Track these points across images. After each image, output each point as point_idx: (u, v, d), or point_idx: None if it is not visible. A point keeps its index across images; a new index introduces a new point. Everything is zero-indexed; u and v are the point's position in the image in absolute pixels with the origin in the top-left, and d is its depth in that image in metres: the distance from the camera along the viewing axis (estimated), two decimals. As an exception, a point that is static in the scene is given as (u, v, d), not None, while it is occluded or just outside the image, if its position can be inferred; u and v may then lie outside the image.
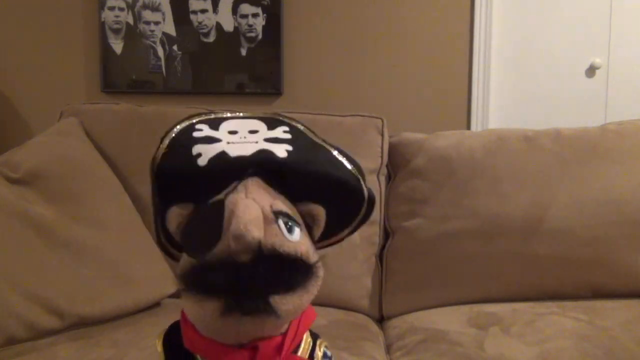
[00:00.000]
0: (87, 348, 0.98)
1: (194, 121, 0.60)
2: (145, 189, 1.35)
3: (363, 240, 1.32)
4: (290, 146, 0.58)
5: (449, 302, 1.25)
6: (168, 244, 0.61)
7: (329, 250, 1.30)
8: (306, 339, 0.59)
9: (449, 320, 1.15)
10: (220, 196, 0.53)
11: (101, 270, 1.13)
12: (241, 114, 0.63)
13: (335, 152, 0.62)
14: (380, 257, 1.35)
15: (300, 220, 0.56)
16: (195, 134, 0.57)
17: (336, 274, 1.27)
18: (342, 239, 0.65)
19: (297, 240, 0.52)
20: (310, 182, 0.58)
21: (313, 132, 0.64)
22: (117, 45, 2.36)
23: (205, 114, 0.62)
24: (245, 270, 0.47)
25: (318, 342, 0.60)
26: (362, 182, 0.62)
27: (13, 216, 1.08)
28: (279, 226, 0.52)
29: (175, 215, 0.55)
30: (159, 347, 0.59)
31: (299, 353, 0.57)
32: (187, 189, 0.55)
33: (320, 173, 0.58)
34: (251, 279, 0.48)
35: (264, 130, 0.60)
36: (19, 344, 0.99)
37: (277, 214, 0.52)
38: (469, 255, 1.25)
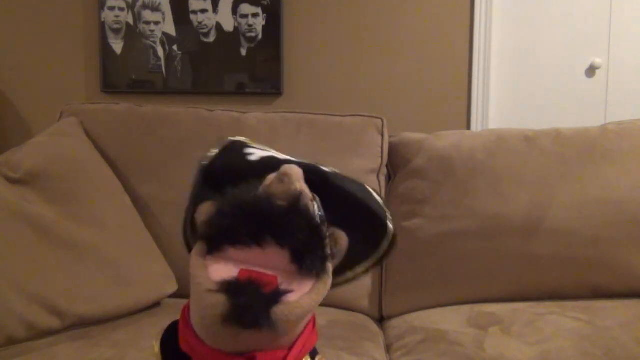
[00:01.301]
0: (87, 348, 0.98)
1: (245, 140, 0.64)
2: (145, 188, 1.35)
3: (363, 240, 1.32)
4: (333, 171, 0.61)
5: (449, 302, 1.25)
6: (193, 240, 0.61)
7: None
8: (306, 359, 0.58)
9: (449, 320, 1.15)
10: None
11: (101, 270, 1.13)
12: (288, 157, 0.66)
13: (369, 188, 0.64)
14: (380, 257, 1.35)
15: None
16: (248, 142, 0.62)
17: (336, 274, 1.27)
18: (354, 278, 0.66)
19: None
20: (344, 203, 0.59)
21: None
22: (117, 45, 2.36)
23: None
24: (280, 212, 0.48)
25: (317, 359, 0.60)
26: (388, 220, 0.62)
27: (13, 216, 1.08)
28: (314, 206, 0.53)
29: (207, 208, 0.55)
30: (156, 348, 0.58)
31: None
32: (234, 183, 0.55)
33: (354, 196, 0.60)
34: (282, 226, 0.48)
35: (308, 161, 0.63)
36: (19, 344, 0.99)
37: (315, 199, 0.54)
38: (469, 255, 1.25)
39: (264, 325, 0.47)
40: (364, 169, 1.36)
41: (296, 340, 0.54)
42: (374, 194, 0.63)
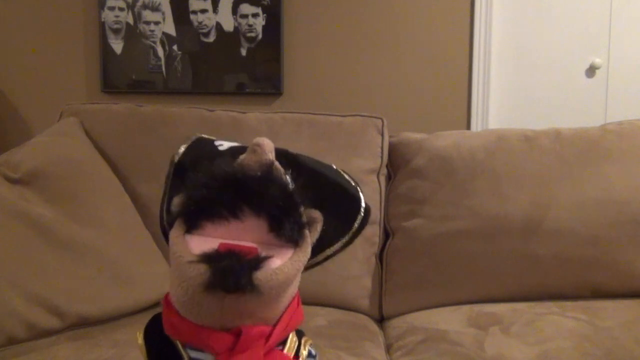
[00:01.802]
0: (87, 348, 0.98)
1: (212, 138, 0.66)
2: (145, 188, 1.35)
3: (363, 240, 1.32)
4: (302, 154, 0.63)
5: (449, 302, 1.25)
6: (169, 228, 0.62)
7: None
8: (292, 338, 0.59)
9: (449, 320, 1.15)
10: None
11: (101, 270, 1.13)
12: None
13: (336, 168, 0.66)
14: (380, 257, 1.35)
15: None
16: (217, 139, 0.64)
17: (336, 274, 1.27)
18: (334, 254, 0.65)
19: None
20: (315, 182, 0.60)
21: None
22: (117, 45, 2.36)
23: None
24: (255, 181, 0.49)
25: (303, 341, 0.60)
26: (360, 192, 0.64)
27: (13, 216, 1.08)
28: (286, 176, 0.55)
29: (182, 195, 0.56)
30: (140, 339, 0.59)
31: (285, 351, 0.57)
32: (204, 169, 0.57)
33: (325, 175, 0.62)
34: (258, 194, 0.49)
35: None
36: (19, 344, 0.99)
37: (286, 172, 0.56)
38: (469, 255, 1.25)
39: (246, 288, 0.48)
40: (364, 169, 1.36)
41: (280, 317, 0.54)
42: (344, 173, 0.65)
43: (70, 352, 0.96)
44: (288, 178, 0.55)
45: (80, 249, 1.12)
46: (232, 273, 0.47)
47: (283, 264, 0.51)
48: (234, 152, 0.59)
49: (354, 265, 1.30)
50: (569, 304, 1.18)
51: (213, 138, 0.64)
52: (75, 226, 1.15)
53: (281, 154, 0.59)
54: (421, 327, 1.13)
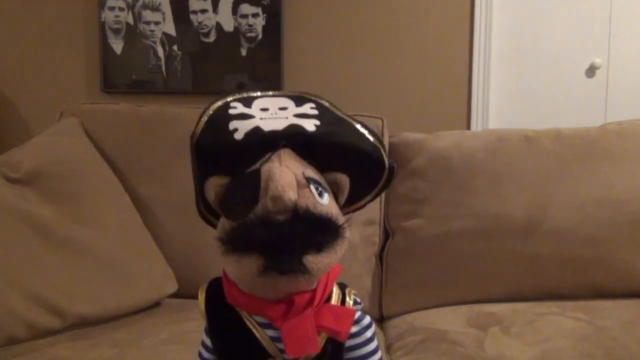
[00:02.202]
0: (87, 348, 0.98)
1: (229, 99, 0.65)
2: (145, 188, 1.35)
3: (363, 240, 1.32)
4: (318, 121, 0.63)
5: (449, 302, 1.25)
6: (207, 213, 0.66)
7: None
8: (336, 291, 0.64)
9: (449, 320, 1.15)
10: (256, 166, 0.58)
11: (101, 270, 1.13)
12: (270, 93, 0.68)
13: (358, 126, 0.66)
14: (380, 257, 1.35)
15: (328, 187, 0.61)
16: (231, 111, 0.63)
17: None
18: (363, 206, 0.71)
19: (326, 203, 0.58)
20: (336, 152, 0.63)
21: (338, 109, 0.68)
22: (117, 45, 2.36)
23: (238, 93, 0.67)
24: (282, 228, 0.53)
25: (347, 291, 0.66)
26: (383, 153, 0.66)
27: (13, 216, 1.08)
28: (310, 190, 0.57)
29: (213, 186, 0.60)
30: (201, 299, 0.64)
31: (331, 303, 0.63)
32: (224, 161, 0.60)
33: (345, 144, 0.63)
34: (288, 237, 0.53)
35: (292, 107, 0.65)
36: (19, 344, 0.99)
37: (309, 180, 0.58)
38: (469, 255, 1.25)
39: (298, 271, 0.53)
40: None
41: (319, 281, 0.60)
42: (366, 133, 0.66)
43: (70, 352, 0.96)
44: (312, 189, 0.57)
45: (80, 249, 1.12)
46: (285, 257, 0.53)
47: (326, 251, 0.56)
48: (250, 144, 0.59)
49: (354, 265, 1.30)
50: (569, 304, 1.18)
51: (227, 108, 0.64)
52: (75, 226, 1.15)
53: (296, 135, 0.60)
54: (421, 327, 1.13)
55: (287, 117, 0.62)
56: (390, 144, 1.42)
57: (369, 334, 0.64)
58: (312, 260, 0.54)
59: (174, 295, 1.23)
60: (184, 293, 1.22)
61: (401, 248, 1.32)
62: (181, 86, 2.36)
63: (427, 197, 1.30)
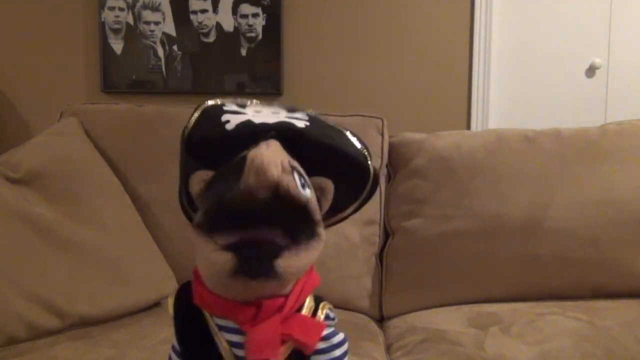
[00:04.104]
0: (87, 348, 0.98)
1: (224, 101, 0.66)
2: (145, 188, 1.35)
3: (363, 240, 1.32)
4: (309, 122, 0.64)
5: (449, 302, 1.25)
6: (189, 208, 0.66)
7: (329, 250, 1.30)
8: (309, 303, 0.62)
9: (449, 320, 1.15)
10: (243, 154, 0.58)
11: (101, 270, 1.13)
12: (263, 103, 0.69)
13: (347, 133, 0.67)
14: (380, 257, 1.35)
15: (312, 186, 0.60)
16: (225, 108, 0.64)
17: (336, 274, 1.27)
18: (346, 217, 0.70)
19: (308, 196, 0.57)
20: (324, 154, 0.63)
21: (327, 120, 0.69)
22: (117, 45, 2.36)
23: (232, 98, 0.68)
24: (261, 205, 0.52)
25: (321, 305, 0.64)
26: (369, 161, 0.66)
27: (13, 216, 1.08)
28: (294, 178, 0.56)
29: (199, 180, 0.59)
30: (170, 302, 0.63)
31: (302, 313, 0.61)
32: (214, 153, 0.60)
33: (333, 146, 0.64)
34: (267, 214, 0.52)
35: (284, 113, 0.65)
36: (19, 344, 0.99)
37: (294, 168, 0.57)
38: (469, 255, 1.25)
39: (269, 276, 0.53)
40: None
41: (294, 286, 0.59)
42: (353, 139, 0.66)
43: (70, 352, 0.96)
44: (296, 178, 0.56)
45: (80, 249, 1.12)
46: (256, 262, 0.52)
47: (299, 253, 0.55)
48: (240, 135, 0.59)
49: (354, 265, 1.30)
50: (569, 304, 1.18)
51: (221, 105, 0.64)
52: (75, 226, 1.15)
53: (287, 130, 0.60)
54: (421, 327, 1.13)
55: (278, 116, 0.63)
56: (390, 144, 1.42)
57: (337, 352, 0.62)
58: (284, 264, 0.53)
59: (174, 295, 1.23)
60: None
61: (401, 248, 1.32)
62: (181, 86, 2.35)
63: (427, 197, 1.30)
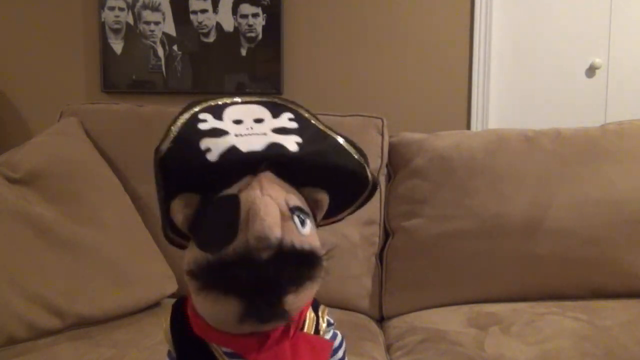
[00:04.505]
0: (87, 348, 0.98)
1: (196, 110, 0.58)
2: (145, 188, 1.35)
3: (363, 240, 1.32)
4: (300, 138, 0.58)
5: (449, 302, 1.25)
6: (174, 234, 0.59)
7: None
8: (309, 315, 0.60)
9: (449, 320, 1.15)
10: (232, 190, 0.53)
11: (101, 270, 1.13)
12: (239, 100, 0.62)
13: (341, 140, 0.63)
14: (380, 257, 1.35)
15: (308, 210, 0.57)
16: (201, 126, 0.56)
17: (336, 274, 1.26)
18: (341, 219, 0.68)
19: (308, 233, 0.54)
20: (320, 172, 0.59)
21: (316, 118, 0.64)
22: (117, 45, 2.36)
23: (204, 100, 0.60)
24: (266, 268, 0.49)
25: (320, 313, 0.62)
26: (367, 169, 0.63)
27: (13, 216, 1.08)
28: (294, 222, 0.53)
29: (181, 207, 0.54)
30: (165, 323, 0.60)
31: (305, 330, 0.59)
32: (194, 181, 0.55)
33: (329, 165, 0.60)
34: (273, 277, 0.49)
35: (269, 119, 0.59)
36: (19, 344, 0.99)
37: (293, 210, 0.54)
38: (469, 255, 1.25)
39: (279, 317, 0.51)
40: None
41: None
42: (349, 149, 0.62)
43: (70, 352, 0.96)
44: (296, 221, 0.53)
45: (80, 249, 1.12)
46: (266, 306, 0.49)
47: (309, 286, 0.53)
48: (225, 168, 0.54)
49: (354, 265, 1.30)
50: (569, 304, 1.18)
51: (195, 121, 0.56)
52: (75, 226, 1.15)
53: (278, 156, 0.55)
54: (421, 327, 1.13)
55: (265, 134, 0.56)
56: (390, 144, 1.42)
57: (340, 353, 0.63)
58: (292, 301, 0.51)
59: (174, 295, 1.23)
60: (184, 293, 1.22)
61: (401, 248, 1.32)
62: (181, 86, 2.36)
63: (427, 197, 1.30)
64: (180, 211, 0.54)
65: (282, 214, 0.52)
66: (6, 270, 1.02)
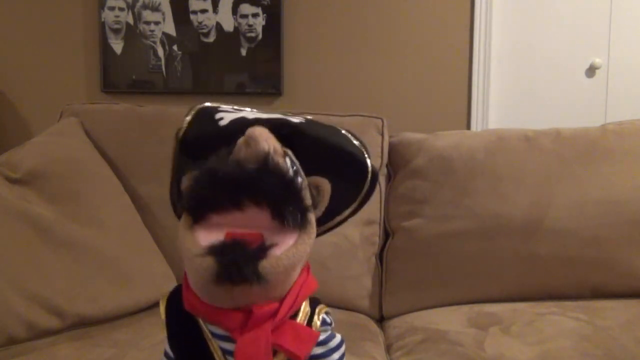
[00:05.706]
0: (87, 348, 0.98)
1: (219, 104, 0.65)
2: (145, 188, 1.35)
3: (363, 240, 1.32)
4: (304, 120, 0.63)
5: (449, 302, 1.25)
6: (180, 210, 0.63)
7: (329, 250, 1.30)
8: (304, 308, 0.60)
9: (449, 320, 1.15)
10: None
11: (101, 270, 1.13)
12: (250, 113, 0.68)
13: (343, 131, 0.65)
14: (380, 257, 1.35)
15: (305, 179, 0.58)
16: (220, 108, 0.64)
17: (336, 274, 1.27)
18: (344, 220, 0.67)
19: (299, 182, 0.55)
20: (320, 149, 0.61)
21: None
22: (117, 45, 2.36)
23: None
24: (250, 175, 0.50)
25: (317, 310, 0.61)
26: (367, 157, 0.64)
27: (13, 216, 1.08)
28: (286, 161, 0.55)
29: (190, 177, 0.57)
30: (162, 306, 0.61)
31: (297, 320, 0.59)
32: (208, 150, 0.57)
33: (330, 141, 0.62)
34: (255, 185, 0.50)
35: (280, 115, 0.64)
36: (19, 344, 0.99)
37: (286, 154, 0.56)
38: (469, 255, 1.25)
39: (253, 280, 0.50)
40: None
41: (289, 291, 0.56)
42: (350, 136, 0.64)
43: (70, 352, 0.96)
44: (288, 162, 0.55)
45: (80, 249, 1.12)
46: (237, 266, 0.49)
47: (287, 250, 0.52)
48: (233, 130, 0.59)
49: (354, 265, 1.30)
50: (569, 304, 1.18)
51: (216, 106, 0.64)
52: (75, 226, 1.15)
53: (281, 125, 0.59)
54: (421, 327, 1.13)
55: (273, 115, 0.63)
56: (390, 144, 1.42)
57: (336, 356, 0.61)
58: (271, 264, 0.50)
59: (174, 295, 1.23)
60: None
61: (401, 248, 1.32)
62: (181, 86, 2.36)
63: (427, 197, 1.30)
64: (189, 181, 0.57)
65: (276, 150, 0.54)
66: (6, 270, 1.02)
